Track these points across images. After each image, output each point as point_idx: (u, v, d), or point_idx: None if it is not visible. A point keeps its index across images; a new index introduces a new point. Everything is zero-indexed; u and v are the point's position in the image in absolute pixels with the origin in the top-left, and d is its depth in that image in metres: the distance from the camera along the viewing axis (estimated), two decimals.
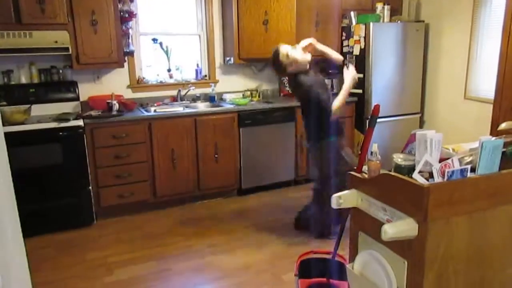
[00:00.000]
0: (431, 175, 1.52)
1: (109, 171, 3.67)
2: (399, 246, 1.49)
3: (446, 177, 1.45)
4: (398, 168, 1.62)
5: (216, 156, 4.03)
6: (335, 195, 1.66)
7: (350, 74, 2.95)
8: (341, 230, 2.17)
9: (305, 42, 3.02)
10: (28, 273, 1.07)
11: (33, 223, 3.34)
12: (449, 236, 1.43)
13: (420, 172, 1.51)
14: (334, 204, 1.67)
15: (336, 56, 3.16)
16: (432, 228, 1.38)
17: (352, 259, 1.76)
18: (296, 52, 2.97)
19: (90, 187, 3.60)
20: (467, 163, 1.58)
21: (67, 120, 3.44)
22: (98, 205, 3.69)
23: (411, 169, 1.57)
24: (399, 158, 1.63)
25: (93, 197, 3.64)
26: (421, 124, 4.86)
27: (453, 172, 1.44)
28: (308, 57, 3.01)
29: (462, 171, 1.46)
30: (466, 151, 1.67)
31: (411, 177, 1.50)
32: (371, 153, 1.66)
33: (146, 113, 3.82)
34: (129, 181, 3.76)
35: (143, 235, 3.47)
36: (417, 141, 1.55)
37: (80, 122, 3.48)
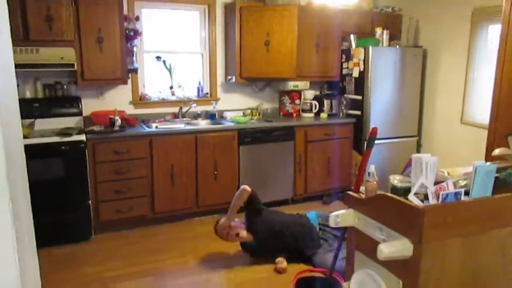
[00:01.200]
0: (426, 197, 1.57)
1: (109, 186, 3.70)
2: (394, 266, 1.53)
3: (440, 199, 1.50)
4: (395, 189, 1.67)
5: (215, 173, 4.07)
6: (333, 214, 1.71)
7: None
8: (337, 248, 2.20)
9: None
10: (40, 280, 1.10)
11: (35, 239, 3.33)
12: (443, 258, 1.47)
13: (415, 194, 1.55)
14: (332, 223, 1.71)
15: (237, 205, 3.25)
16: (427, 249, 1.42)
17: (348, 278, 1.79)
18: (233, 238, 3.22)
19: (90, 202, 3.62)
20: (462, 187, 1.63)
21: (70, 134, 3.49)
22: (97, 219, 3.71)
23: (407, 190, 1.62)
24: (395, 180, 1.68)
25: (92, 211, 3.66)
26: (418, 147, 4.92)
27: (447, 194, 1.49)
28: (240, 238, 3.24)
29: (456, 194, 1.51)
30: (460, 175, 1.72)
31: (407, 199, 1.55)
32: (369, 174, 1.71)
33: (147, 129, 3.88)
34: (128, 196, 3.78)
35: (140, 250, 3.48)
36: (413, 163, 1.60)
37: (83, 137, 3.53)
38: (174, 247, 3.54)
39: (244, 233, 3.20)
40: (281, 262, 3.15)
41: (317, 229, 3.30)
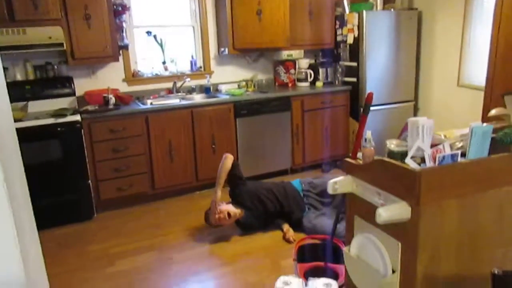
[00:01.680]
0: (423, 160, 1.58)
1: (108, 164, 3.70)
2: (393, 229, 1.55)
3: (437, 162, 1.50)
4: (391, 154, 1.67)
5: (213, 146, 4.07)
6: (331, 181, 1.72)
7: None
8: (337, 215, 2.23)
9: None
10: (43, 263, 1.11)
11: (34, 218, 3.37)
12: (441, 219, 1.49)
13: (412, 157, 1.56)
14: (330, 190, 1.72)
15: (225, 172, 3.32)
16: (425, 211, 1.44)
17: (348, 242, 1.82)
18: (223, 222, 3.21)
19: (90, 181, 3.64)
20: (458, 149, 1.63)
21: (64, 115, 3.46)
22: (98, 198, 3.74)
23: (404, 154, 1.63)
24: (392, 144, 1.69)
25: (93, 191, 3.68)
26: (415, 112, 4.91)
27: (444, 157, 1.50)
28: (232, 219, 3.23)
29: (453, 156, 1.51)
30: (457, 137, 1.72)
31: (404, 163, 1.56)
32: (365, 140, 1.71)
33: (142, 106, 3.85)
34: (128, 174, 3.80)
35: (143, 226, 3.53)
36: (409, 127, 1.60)
37: (78, 117, 3.50)
38: (176, 222, 3.58)
39: (234, 209, 3.21)
40: (288, 230, 3.20)
41: (301, 194, 3.36)
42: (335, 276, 2.26)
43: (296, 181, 3.48)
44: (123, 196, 3.82)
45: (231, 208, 3.22)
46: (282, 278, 1.90)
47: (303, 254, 2.47)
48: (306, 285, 1.87)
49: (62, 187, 3.53)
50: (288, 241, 3.13)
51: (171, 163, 3.94)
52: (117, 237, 3.35)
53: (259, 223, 3.30)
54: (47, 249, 3.17)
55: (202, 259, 2.98)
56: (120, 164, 3.74)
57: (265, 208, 3.28)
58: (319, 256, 2.46)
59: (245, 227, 3.32)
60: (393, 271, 1.57)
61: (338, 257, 2.36)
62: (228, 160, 3.32)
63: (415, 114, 4.91)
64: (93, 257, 3.08)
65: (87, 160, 3.59)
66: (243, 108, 4.15)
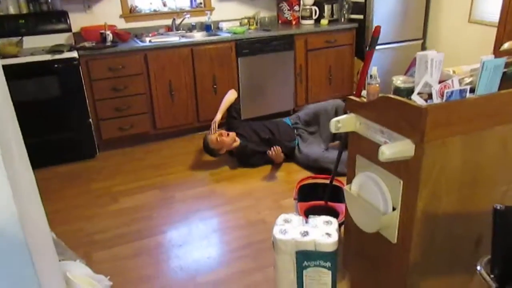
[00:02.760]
0: (430, 96, 1.52)
1: (108, 103, 3.66)
2: (395, 167, 1.53)
3: (445, 98, 1.45)
4: (397, 91, 1.61)
5: (214, 86, 3.99)
6: (333, 119, 1.67)
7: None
8: (339, 154, 2.21)
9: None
10: (38, 194, 1.10)
11: (35, 155, 3.35)
12: (445, 156, 1.46)
13: (419, 93, 1.50)
14: (332, 129, 1.68)
15: (228, 101, 3.59)
16: (429, 148, 1.41)
17: (349, 181, 1.81)
18: (222, 138, 3.33)
19: (90, 120, 3.61)
20: (467, 84, 1.57)
21: (61, 52, 3.36)
22: (100, 137, 3.73)
23: (410, 91, 1.57)
24: (398, 81, 1.62)
25: (94, 129, 3.67)
26: (423, 50, 4.75)
27: (452, 92, 1.44)
28: (230, 138, 3.36)
29: (461, 92, 1.46)
30: (466, 72, 1.65)
31: (410, 99, 1.50)
32: (370, 76, 1.65)
33: (141, 44, 3.72)
34: (129, 113, 3.76)
35: (145, 166, 3.55)
36: (418, 61, 1.53)
37: (75, 54, 3.40)
38: (178, 162, 3.60)
39: (233, 134, 3.39)
40: (277, 149, 3.30)
41: (291, 127, 3.59)
42: (335, 215, 2.28)
43: (286, 118, 3.69)
44: (125, 136, 3.81)
45: (231, 133, 3.40)
46: (283, 216, 1.92)
47: (304, 195, 2.49)
48: (306, 222, 1.89)
49: (62, 125, 3.51)
50: (272, 158, 3.29)
51: (172, 104, 3.89)
52: (120, 176, 3.39)
53: (255, 153, 3.40)
54: (50, 185, 3.24)
55: (203, 198, 3.02)
56: (121, 103, 3.69)
57: (259, 136, 3.46)
58: (320, 196, 2.48)
59: (243, 156, 3.42)
60: (394, 209, 1.57)
61: (338, 196, 2.37)
62: (233, 94, 3.60)
63: None
64: (95, 195, 3.13)
65: (86, 99, 3.54)
66: (245, 47, 4.01)
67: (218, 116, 3.46)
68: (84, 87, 3.50)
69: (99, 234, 2.65)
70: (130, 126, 3.79)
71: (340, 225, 2.09)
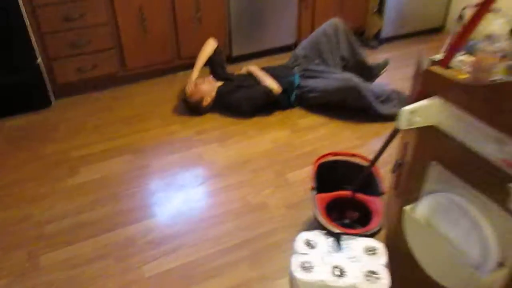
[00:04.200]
0: None
1: (60, 37, 2.82)
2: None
3: None
4: None
5: (197, 14, 3.14)
6: (406, 109, 0.99)
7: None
8: (391, 135, 1.53)
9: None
10: None
11: None
12: None
13: None
14: (403, 124, 1.00)
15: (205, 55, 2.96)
16: None
17: (408, 196, 1.18)
18: (199, 86, 2.79)
19: (39, 60, 2.80)
20: None
21: None
22: (54, 82, 2.96)
23: None
24: None
25: (46, 72, 2.88)
26: None
27: None
28: (207, 82, 2.84)
29: None
30: None
31: None
32: (488, 37, 0.92)
33: None
34: (89, 50, 2.95)
35: (113, 119, 2.84)
36: None
37: None
38: (155, 113, 2.89)
39: (209, 77, 2.92)
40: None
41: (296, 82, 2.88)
42: (366, 212, 1.69)
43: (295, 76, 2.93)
44: (86, 79, 3.04)
45: (209, 78, 2.90)
46: (304, 236, 1.31)
47: (321, 175, 1.86)
48: (338, 245, 1.29)
49: (3, 67, 2.71)
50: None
51: (145, 36, 3.07)
52: (81, 134, 2.68)
53: (239, 87, 2.82)
54: None
55: (188, 168, 2.37)
56: (77, 36, 2.86)
57: (247, 79, 2.89)
58: (339, 178, 1.86)
59: (225, 93, 2.83)
60: (501, 264, 0.96)
61: (368, 184, 1.75)
62: (209, 45, 2.97)
63: None
64: (50, 162, 2.45)
65: (30, 32, 2.70)
66: None
67: (195, 74, 2.90)
68: (26, 17, 2.64)
69: (52, 224, 2.02)
70: (92, 67, 3.00)
71: (373, 234, 1.50)
